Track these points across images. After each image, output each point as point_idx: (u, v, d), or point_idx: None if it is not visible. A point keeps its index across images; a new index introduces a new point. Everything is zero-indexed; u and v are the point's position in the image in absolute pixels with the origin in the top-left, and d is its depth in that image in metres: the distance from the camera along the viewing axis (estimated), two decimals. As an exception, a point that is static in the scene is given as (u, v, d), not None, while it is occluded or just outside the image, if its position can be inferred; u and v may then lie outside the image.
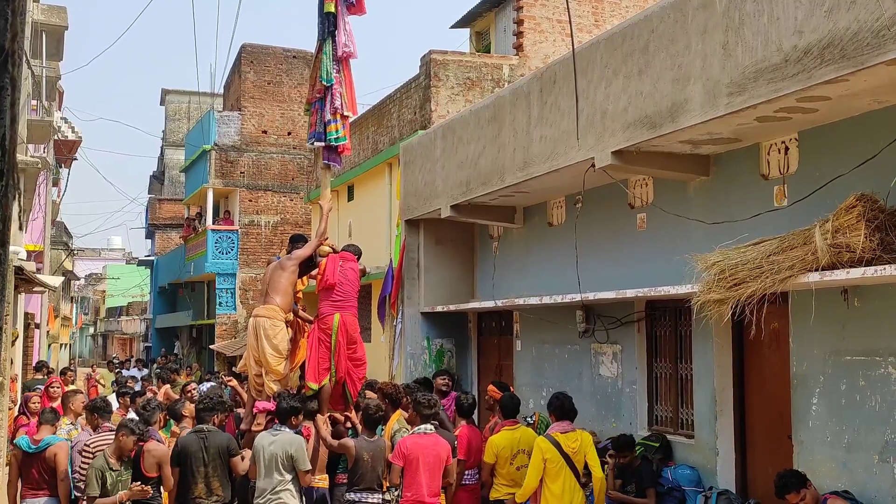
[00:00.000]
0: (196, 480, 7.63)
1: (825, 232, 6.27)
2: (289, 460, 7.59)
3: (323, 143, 9.60)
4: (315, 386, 8.48)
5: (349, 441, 7.94)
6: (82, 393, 11.24)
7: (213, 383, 12.05)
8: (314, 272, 9.19)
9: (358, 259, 9.14)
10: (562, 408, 7.75)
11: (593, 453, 7.60)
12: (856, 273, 6.07)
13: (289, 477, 7.61)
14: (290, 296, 9.00)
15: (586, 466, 7.56)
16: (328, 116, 9.43)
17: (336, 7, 9.33)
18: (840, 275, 6.18)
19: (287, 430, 7.79)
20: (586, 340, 10.36)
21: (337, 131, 9.50)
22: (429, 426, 7.78)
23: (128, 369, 26.22)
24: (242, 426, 8.84)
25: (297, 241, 9.37)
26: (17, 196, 13.88)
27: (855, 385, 6.80)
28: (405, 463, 7.52)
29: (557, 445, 7.43)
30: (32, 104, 18.38)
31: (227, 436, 8.08)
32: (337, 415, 8.78)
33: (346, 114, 9.53)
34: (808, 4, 6.04)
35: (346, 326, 8.64)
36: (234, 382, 10.65)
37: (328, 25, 9.39)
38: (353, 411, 8.77)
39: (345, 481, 8.03)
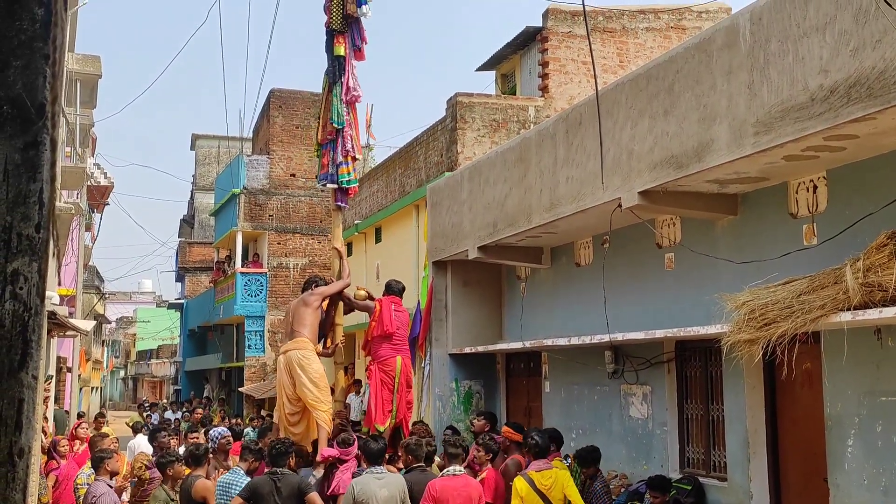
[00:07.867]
0: None
1: (856, 271, 6.21)
2: (403, 502, 7.47)
3: (336, 186, 9.84)
4: (381, 427, 8.57)
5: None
6: (109, 437, 11.25)
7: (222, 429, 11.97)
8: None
9: (402, 293, 9.31)
10: (537, 446, 7.84)
11: (572, 488, 7.69)
12: (889, 312, 6.00)
13: None
14: (317, 332, 9.07)
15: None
16: (340, 159, 9.65)
17: (345, 50, 9.57)
18: (873, 314, 6.11)
19: (385, 470, 7.64)
20: (616, 381, 10.28)
21: (349, 174, 9.75)
22: (458, 467, 7.72)
23: (162, 411, 26.31)
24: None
25: (314, 283, 9.47)
26: (56, 251, 14.09)
27: (891, 426, 6.68)
28: None
29: (531, 483, 7.53)
30: (66, 151, 18.73)
31: (300, 477, 7.97)
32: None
33: (356, 156, 9.79)
34: (833, 44, 6.05)
35: (406, 369, 8.80)
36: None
37: (338, 68, 9.63)
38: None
39: None
